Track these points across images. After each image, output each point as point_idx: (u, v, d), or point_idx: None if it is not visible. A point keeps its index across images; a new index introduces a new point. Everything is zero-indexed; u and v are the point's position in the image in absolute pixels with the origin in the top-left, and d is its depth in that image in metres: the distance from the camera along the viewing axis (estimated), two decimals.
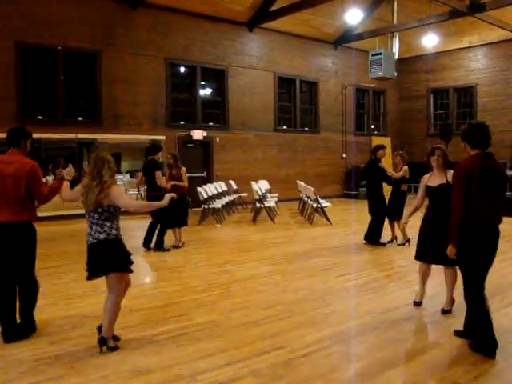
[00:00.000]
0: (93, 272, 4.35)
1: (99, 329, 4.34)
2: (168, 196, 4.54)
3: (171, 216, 9.11)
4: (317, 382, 3.69)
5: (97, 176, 4.28)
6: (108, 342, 4.27)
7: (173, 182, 9.05)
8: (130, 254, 4.45)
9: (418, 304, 5.47)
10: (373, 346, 4.42)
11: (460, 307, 4.84)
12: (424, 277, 5.45)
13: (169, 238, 9.23)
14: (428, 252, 5.22)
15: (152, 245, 9.06)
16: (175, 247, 9.20)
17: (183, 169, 9.27)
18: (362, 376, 3.82)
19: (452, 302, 5.25)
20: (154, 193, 8.77)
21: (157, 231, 9.08)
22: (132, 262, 4.43)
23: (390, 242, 9.37)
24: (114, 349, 4.30)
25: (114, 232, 4.32)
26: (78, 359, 4.12)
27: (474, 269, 4.15)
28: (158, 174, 8.76)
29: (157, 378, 3.78)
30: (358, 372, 3.90)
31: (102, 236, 4.28)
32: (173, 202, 9.47)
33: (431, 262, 5.29)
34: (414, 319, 5.10)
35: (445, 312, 5.20)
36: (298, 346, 4.37)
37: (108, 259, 4.29)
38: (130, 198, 4.17)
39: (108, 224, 4.32)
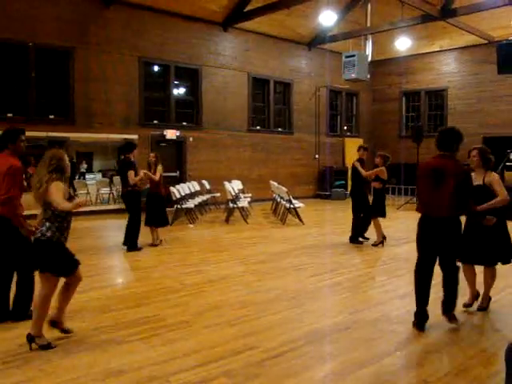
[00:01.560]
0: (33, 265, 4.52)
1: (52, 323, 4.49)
2: (76, 201, 4.39)
3: (149, 214, 9.31)
4: (290, 382, 3.71)
5: (38, 171, 4.35)
6: (37, 340, 4.26)
7: (144, 171, 9.14)
8: (65, 259, 4.40)
9: (468, 306, 5.45)
10: (345, 345, 4.46)
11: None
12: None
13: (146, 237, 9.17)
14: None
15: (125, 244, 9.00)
16: (153, 245, 9.26)
17: (159, 167, 9.33)
18: (334, 375, 3.85)
19: (488, 299, 5.45)
20: (127, 189, 8.84)
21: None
22: (68, 267, 4.42)
23: (380, 243, 9.37)
24: (46, 347, 4.26)
25: (48, 234, 4.28)
26: (47, 361, 4.06)
27: (419, 249, 4.94)
28: (131, 173, 8.71)
29: (129, 379, 3.74)
30: (330, 371, 3.93)
31: (37, 234, 4.32)
32: (150, 201, 9.47)
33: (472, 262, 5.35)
34: (385, 319, 5.15)
35: (481, 309, 5.39)
36: (271, 345, 4.39)
37: (39, 259, 4.34)
38: (62, 196, 4.22)
39: (47, 224, 4.30)
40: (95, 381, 3.71)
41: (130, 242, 8.90)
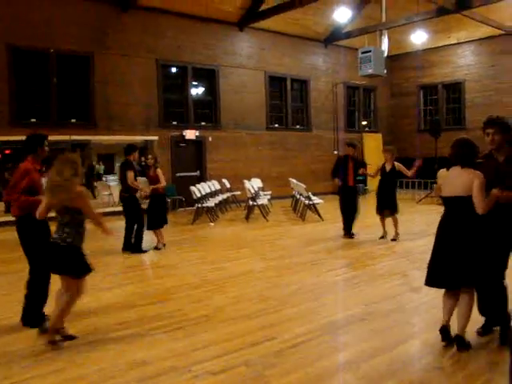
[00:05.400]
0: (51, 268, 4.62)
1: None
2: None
3: (152, 218, 9.08)
4: (306, 370, 3.88)
5: (54, 176, 4.41)
6: (50, 335, 4.43)
7: (152, 187, 8.97)
8: (81, 262, 4.48)
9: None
10: (360, 336, 4.62)
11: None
12: None
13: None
14: None
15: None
16: (156, 248, 9.07)
17: (159, 170, 9.10)
18: (349, 364, 4.01)
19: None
20: (124, 194, 8.85)
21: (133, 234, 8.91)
22: (84, 269, 4.50)
23: (382, 237, 9.57)
24: (53, 342, 4.40)
25: (69, 240, 4.39)
26: (77, 353, 4.30)
27: None
28: (130, 174, 8.60)
29: (152, 369, 3.95)
30: (345, 360, 4.09)
31: (57, 239, 4.43)
32: (154, 204, 9.04)
33: None
34: (400, 311, 5.29)
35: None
36: (289, 336, 4.56)
37: (60, 264, 4.44)
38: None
39: (66, 230, 4.40)
40: (121, 371, 3.93)
41: (136, 246, 8.78)
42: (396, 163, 9.43)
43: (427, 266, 4.37)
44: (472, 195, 3.99)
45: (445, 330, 4.22)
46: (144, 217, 8.98)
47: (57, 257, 4.44)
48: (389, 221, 9.53)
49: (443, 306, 4.32)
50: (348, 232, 9.96)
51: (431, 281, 4.33)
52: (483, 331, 4.44)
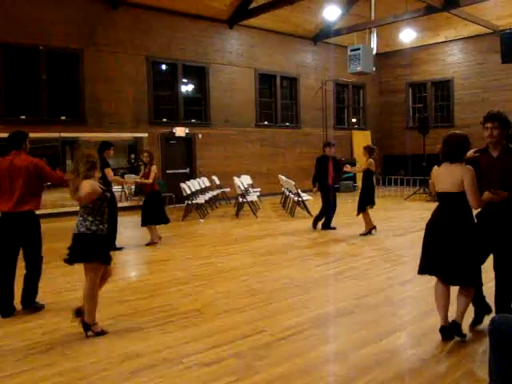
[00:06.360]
0: (71, 258, 4.68)
1: (77, 312, 4.67)
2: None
3: (147, 214, 9.18)
4: (295, 361, 3.96)
5: (75, 169, 4.64)
6: (92, 328, 4.58)
7: (139, 180, 9.28)
8: (107, 249, 4.78)
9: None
10: (348, 328, 4.72)
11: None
12: None
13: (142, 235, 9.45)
14: None
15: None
16: (149, 244, 9.19)
17: (153, 167, 9.19)
18: (337, 354, 4.10)
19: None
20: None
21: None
22: (108, 256, 4.71)
23: (368, 233, 9.69)
24: (100, 333, 4.58)
25: (93, 228, 4.58)
26: (69, 347, 4.35)
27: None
28: (108, 170, 8.49)
29: (145, 361, 4.02)
30: (333, 351, 4.18)
31: (82, 229, 4.59)
32: (148, 200, 9.27)
33: None
34: (387, 303, 5.39)
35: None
36: (278, 329, 4.65)
37: (84, 251, 4.59)
38: (87, 192, 4.48)
39: (90, 219, 4.60)
40: (113, 363, 4.00)
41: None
42: (369, 160, 9.57)
43: (420, 256, 4.46)
44: (464, 191, 4.06)
45: (445, 330, 4.29)
46: (118, 212, 8.96)
47: (85, 246, 4.64)
48: (375, 216, 9.69)
49: (437, 304, 4.40)
50: (327, 225, 10.37)
51: (424, 269, 4.42)
52: (474, 323, 4.59)
